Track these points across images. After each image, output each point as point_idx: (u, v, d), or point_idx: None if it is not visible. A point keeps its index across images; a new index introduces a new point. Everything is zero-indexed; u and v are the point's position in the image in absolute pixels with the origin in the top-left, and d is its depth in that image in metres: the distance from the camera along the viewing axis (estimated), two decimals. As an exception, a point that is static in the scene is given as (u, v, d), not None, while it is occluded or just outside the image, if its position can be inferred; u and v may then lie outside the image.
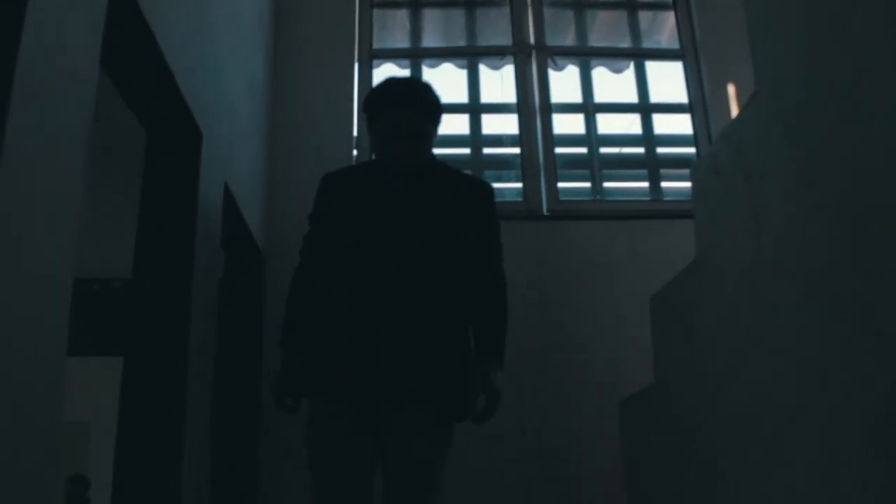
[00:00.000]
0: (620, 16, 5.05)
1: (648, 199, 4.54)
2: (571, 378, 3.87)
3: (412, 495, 2.18)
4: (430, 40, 4.88)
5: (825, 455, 1.44)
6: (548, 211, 4.31)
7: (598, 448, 3.59)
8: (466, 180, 2.47)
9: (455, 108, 4.71)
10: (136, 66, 2.40)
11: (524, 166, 4.44)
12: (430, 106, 2.35)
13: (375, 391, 2.16)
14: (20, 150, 1.46)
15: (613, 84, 4.96)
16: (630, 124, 4.84)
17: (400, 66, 4.79)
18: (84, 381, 5.65)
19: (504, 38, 4.78)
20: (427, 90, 2.38)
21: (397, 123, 2.27)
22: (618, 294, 3.99)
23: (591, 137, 4.66)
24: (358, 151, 4.33)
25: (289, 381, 2.29)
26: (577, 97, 4.77)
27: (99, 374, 5.74)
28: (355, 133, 4.38)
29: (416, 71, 4.74)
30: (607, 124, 4.82)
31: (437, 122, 2.38)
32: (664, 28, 5.00)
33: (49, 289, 1.64)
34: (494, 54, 4.77)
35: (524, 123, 4.54)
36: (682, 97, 4.75)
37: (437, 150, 4.63)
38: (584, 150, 4.69)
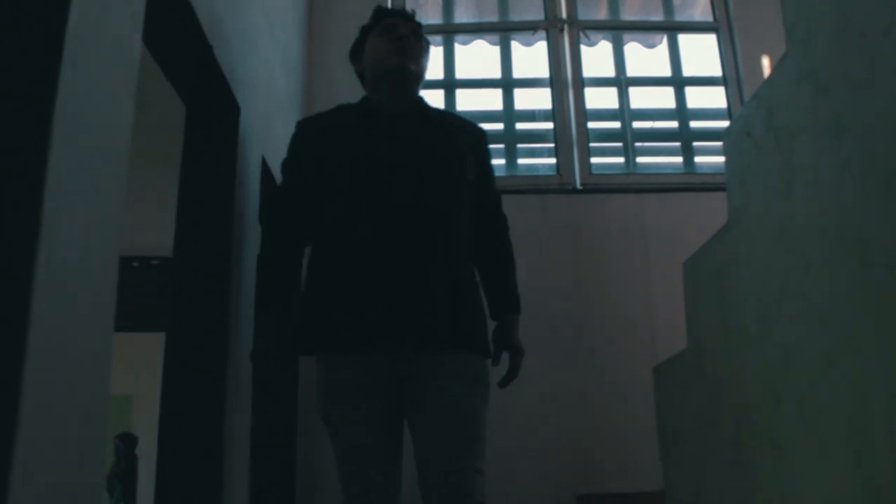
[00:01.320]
0: (654, -12, 5.03)
1: (681, 172, 4.53)
2: (607, 349, 3.90)
3: (458, 449, 1.91)
4: (462, 16, 4.90)
5: (855, 407, 1.46)
6: (581, 185, 4.33)
7: (634, 416, 3.63)
8: (465, 121, 2.40)
9: (488, 84, 4.73)
10: (176, 40, 2.46)
11: (557, 141, 4.46)
12: (417, 23, 2.39)
13: (399, 327, 1.96)
14: (67, 125, 1.50)
15: (646, 58, 4.95)
16: (663, 98, 4.83)
17: (433, 42, 4.81)
18: (124, 357, 5.79)
19: (536, 14, 4.79)
20: None
21: (397, 23, 2.30)
22: (652, 266, 4.01)
23: (624, 112, 4.66)
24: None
25: (282, 341, 2.16)
26: (609, 72, 4.77)
27: (139, 349, 5.87)
28: (389, 109, 4.41)
29: (450, 47, 4.76)
30: (640, 99, 4.80)
31: (428, 52, 2.39)
32: (697, 1, 4.97)
33: (96, 265, 1.69)
34: (527, 29, 4.77)
35: (557, 98, 4.55)
36: (715, 70, 4.73)
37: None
38: (617, 124, 4.69)
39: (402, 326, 1.97)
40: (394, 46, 2.24)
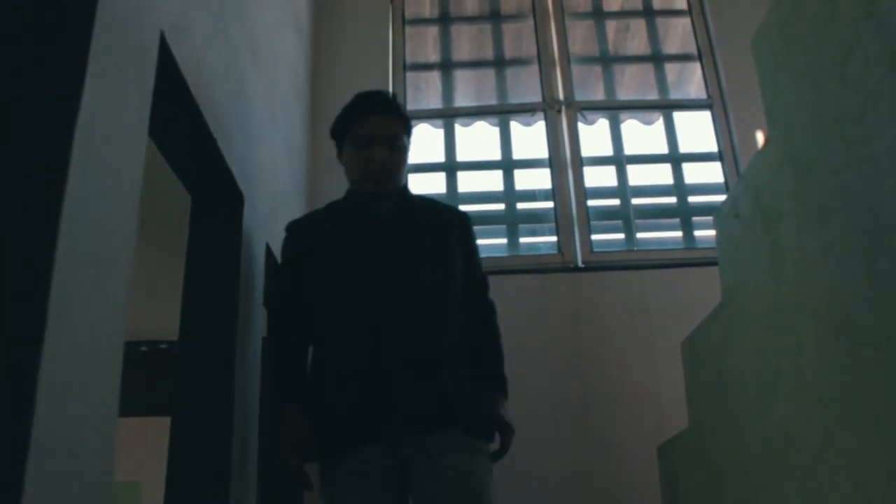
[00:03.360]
0: (648, 69, 5.16)
1: (682, 247, 4.58)
2: (612, 427, 3.88)
3: None
4: (462, 100, 5.02)
5: (854, 487, 1.46)
6: (582, 263, 4.37)
7: (641, 496, 3.58)
8: (449, 208, 2.46)
9: (488, 165, 4.82)
10: (181, 133, 2.54)
11: (558, 220, 4.52)
12: (406, 117, 2.38)
13: (401, 413, 2.02)
14: (76, 215, 1.56)
15: (644, 136, 5.05)
16: (661, 174, 4.91)
17: (433, 125, 4.92)
18: (133, 442, 5.78)
19: (534, 95, 4.90)
20: (398, 101, 2.42)
21: (380, 128, 2.28)
22: (655, 341, 4.01)
23: (624, 189, 4.73)
24: (394, 210, 4.44)
25: (300, 443, 2.14)
26: (608, 150, 4.86)
27: (147, 434, 5.86)
28: (391, 192, 4.50)
29: (450, 129, 4.87)
30: (639, 175, 4.88)
31: (410, 134, 2.40)
32: (692, 79, 5.10)
33: (101, 350, 1.72)
34: (525, 111, 4.89)
35: (556, 177, 4.63)
36: (711, 146, 4.82)
37: (473, 207, 4.73)
38: (616, 201, 4.75)
39: (404, 413, 2.02)
40: (370, 172, 2.28)
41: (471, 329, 2.27)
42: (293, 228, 2.45)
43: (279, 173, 3.66)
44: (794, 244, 1.65)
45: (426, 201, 2.41)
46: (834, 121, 1.46)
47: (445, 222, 2.31)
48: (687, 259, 4.36)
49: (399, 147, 2.28)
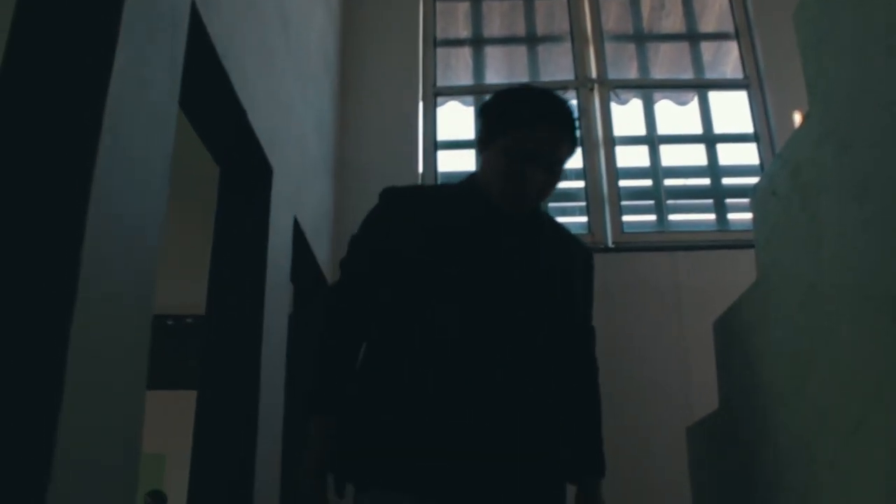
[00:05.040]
0: (683, 48, 5.09)
1: (714, 229, 4.52)
2: (640, 410, 3.85)
3: None
4: (493, 77, 4.98)
5: (888, 471, 1.43)
6: (612, 243, 4.33)
7: (668, 479, 3.56)
8: (575, 242, 2.00)
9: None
10: (211, 104, 2.53)
11: (588, 200, 4.48)
12: (577, 140, 1.85)
13: (493, 478, 1.63)
14: (107, 188, 1.56)
15: (678, 116, 4.98)
16: (695, 155, 4.84)
17: (464, 103, 4.89)
18: (158, 415, 5.83)
19: (566, 73, 4.85)
20: (578, 120, 1.86)
21: (549, 146, 1.74)
22: (685, 324, 3.97)
23: (656, 169, 4.67)
24: (423, 187, 4.42)
25: (341, 461, 1.71)
26: (640, 130, 4.80)
27: (174, 408, 5.91)
28: (420, 170, 4.48)
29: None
30: (672, 156, 4.82)
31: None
32: (728, 59, 5.01)
33: (130, 321, 1.72)
34: (557, 89, 4.83)
35: (588, 157, 4.59)
36: (747, 127, 4.74)
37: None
38: (648, 182, 4.70)
39: (495, 478, 1.64)
40: (514, 194, 1.78)
41: (573, 390, 1.90)
42: (394, 199, 1.86)
43: (308, 147, 3.65)
44: (833, 220, 1.60)
45: (555, 231, 1.94)
46: (878, 93, 1.41)
47: (571, 264, 1.90)
48: (719, 241, 4.31)
49: (557, 172, 1.79)
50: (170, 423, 5.93)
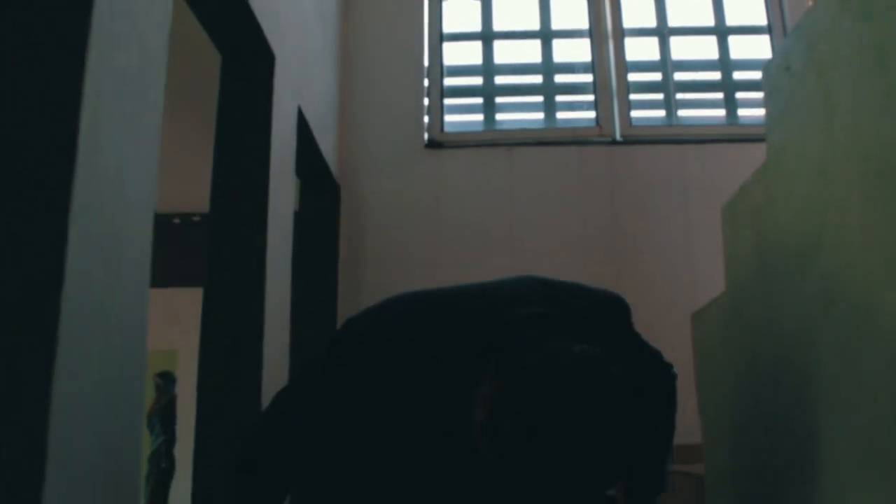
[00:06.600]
0: (696, -64, 4.91)
1: (723, 123, 4.45)
2: (647, 298, 3.86)
3: None
4: (500, -34, 4.83)
5: (892, 349, 1.42)
6: (620, 136, 4.27)
7: (674, 364, 3.59)
8: None
9: (526, 35, 4.67)
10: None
11: (597, 93, 4.40)
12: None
13: None
14: (100, 84, 1.50)
15: (689, 7, 4.84)
16: (706, 48, 4.73)
17: (470, -6, 4.75)
18: (169, 312, 5.89)
19: (575, -37, 4.70)
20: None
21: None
22: (691, 217, 3.96)
23: (665, 62, 4.58)
24: (429, 81, 4.34)
25: None
26: (651, 22, 4.68)
27: (184, 305, 5.97)
28: (426, 62, 4.39)
29: (487, -1, 4.71)
30: (682, 49, 4.71)
31: None
32: (742, -53, 4.84)
33: (130, 216, 1.69)
34: (565, -20, 4.70)
35: (596, 49, 4.49)
36: (761, 19, 4.61)
37: (509, 78, 4.60)
38: (658, 75, 4.61)
39: None
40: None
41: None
42: (370, 355, 1.33)
43: (311, 34, 3.56)
44: (848, 92, 1.56)
45: None
46: (902, -48, 1.36)
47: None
48: (728, 135, 4.25)
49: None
50: (181, 319, 6.00)
